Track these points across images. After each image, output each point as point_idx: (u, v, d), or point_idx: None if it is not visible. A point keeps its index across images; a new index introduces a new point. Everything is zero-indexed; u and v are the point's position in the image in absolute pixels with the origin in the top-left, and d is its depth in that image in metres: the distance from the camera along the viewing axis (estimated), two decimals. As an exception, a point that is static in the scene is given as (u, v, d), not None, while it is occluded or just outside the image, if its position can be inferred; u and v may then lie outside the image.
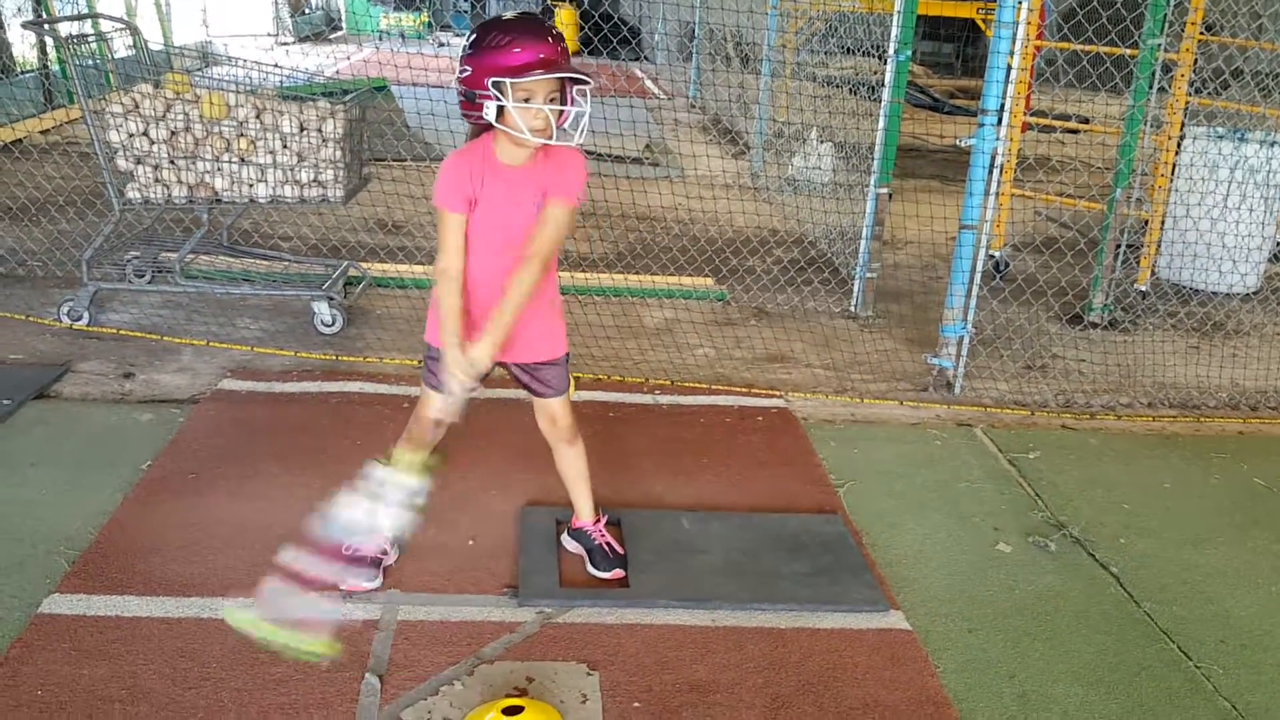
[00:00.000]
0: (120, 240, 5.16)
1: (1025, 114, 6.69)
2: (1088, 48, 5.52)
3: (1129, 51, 5.18)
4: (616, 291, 5.47)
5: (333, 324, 4.65)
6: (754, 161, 8.35)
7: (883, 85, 5.16)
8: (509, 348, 2.76)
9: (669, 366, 4.56)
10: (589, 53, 13.60)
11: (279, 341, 4.55)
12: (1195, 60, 5.50)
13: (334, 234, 6.07)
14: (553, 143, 2.50)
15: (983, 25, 12.37)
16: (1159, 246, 6.01)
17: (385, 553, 2.92)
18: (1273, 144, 5.83)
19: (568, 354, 2.87)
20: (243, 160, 4.42)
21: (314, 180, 4.50)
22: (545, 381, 2.84)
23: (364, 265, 5.33)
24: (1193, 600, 3.13)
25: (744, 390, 4.37)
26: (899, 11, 4.95)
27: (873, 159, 5.25)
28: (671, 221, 6.74)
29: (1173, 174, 5.84)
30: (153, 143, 4.35)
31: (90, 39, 4.68)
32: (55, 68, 8.90)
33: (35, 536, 3.01)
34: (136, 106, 4.32)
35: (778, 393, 4.37)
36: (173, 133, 4.35)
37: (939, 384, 4.52)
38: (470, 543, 3.12)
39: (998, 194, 4.33)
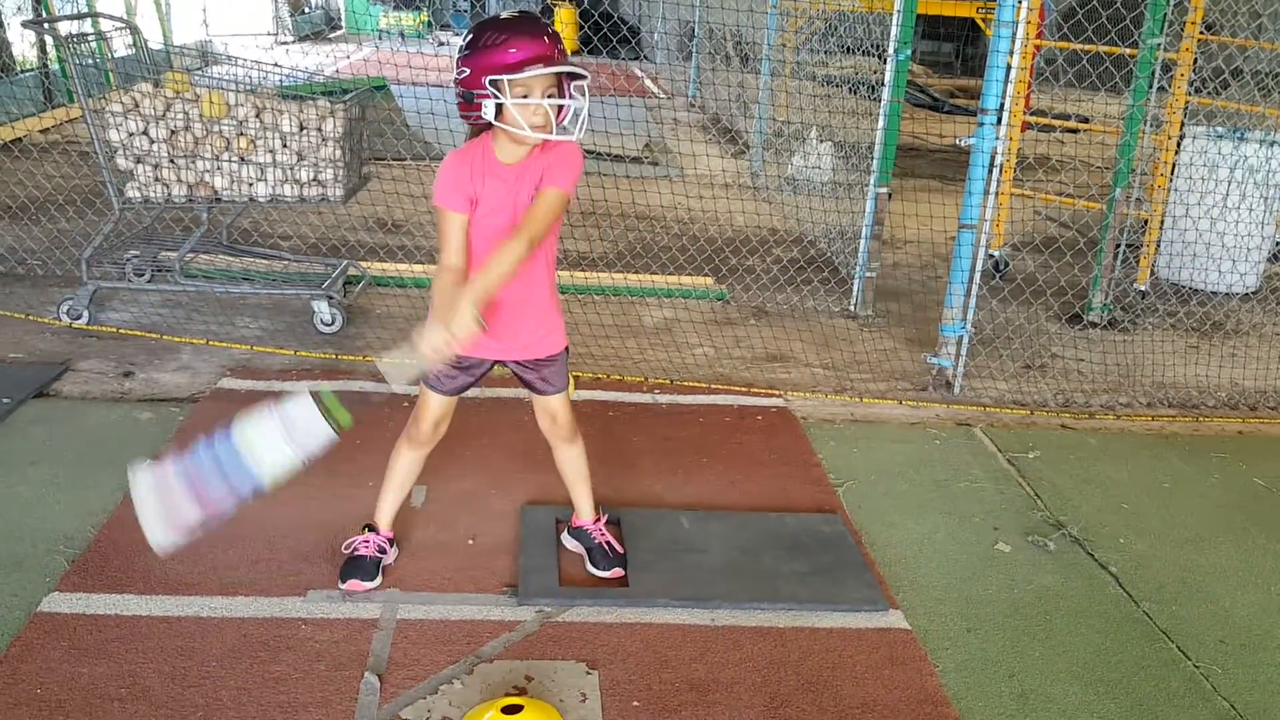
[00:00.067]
0: (120, 239, 5.16)
1: (1025, 113, 6.70)
2: (1087, 47, 5.51)
3: (1129, 51, 5.18)
4: (616, 291, 5.47)
5: (332, 323, 4.65)
6: (754, 161, 8.35)
7: (882, 84, 5.17)
8: (510, 347, 2.76)
9: (669, 366, 4.56)
10: (589, 52, 13.61)
11: (278, 340, 4.55)
12: (1195, 60, 5.50)
13: (333, 233, 6.07)
14: (553, 137, 2.51)
15: (982, 25, 12.36)
16: (1158, 246, 6.01)
17: (384, 552, 2.92)
18: (1272, 144, 5.83)
19: (567, 348, 2.87)
20: (242, 159, 4.42)
21: (313, 179, 4.50)
22: (546, 379, 2.84)
23: (363, 264, 5.33)
24: (1192, 600, 3.13)
25: (743, 389, 4.37)
26: (899, 11, 4.95)
27: (872, 158, 5.25)
28: (671, 221, 6.74)
29: (1172, 173, 5.84)
30: (152, 142, 4.35)
31: (90, 38, 4.68)
32: (55, 66, 8.90)
33: (35, 535, 3.01)
34: (136, 105, 4.32)
35: (777, 392, 4.37)
36: (172, 132, 4.35)
37: (938, 383, 4.52)
38: (470, 542, 3.12)
39: (997, 193, 4.33)
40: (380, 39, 17.77)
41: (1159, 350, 5.08)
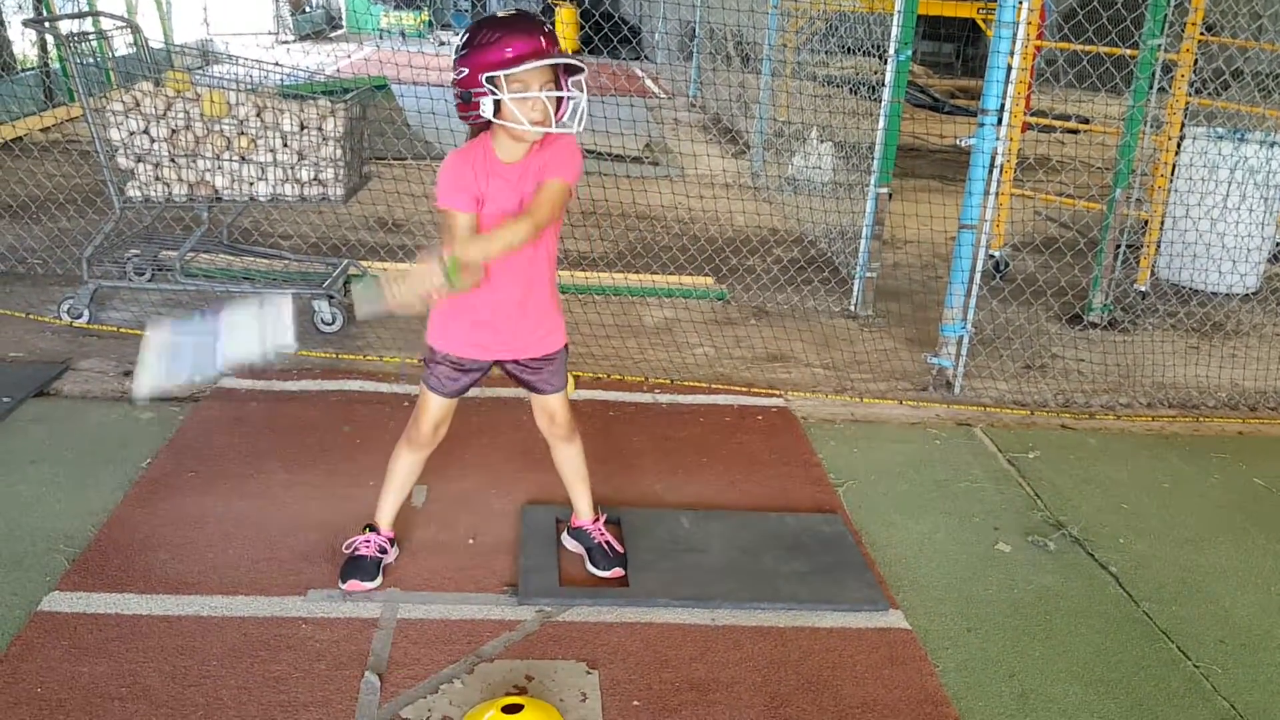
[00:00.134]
0: (120, 238, 5.16)
1: (1025, 114, 6.69)
2: (1088, 48, 5.52)
3: (1129, 52, 5.18)
4: (616, 290, 5.47)
5: (333, 322, 4.65)
6: (754, 161, 8.35)
7: (883, 85, 5.17)
8: (511, 346, 2.76)
9: (669, 365, 4.56)
10: (589, 52, 13.60)
11: (279, 340, 4.54)
12: (1195, 60, 5.50)
13: (334, 232, 6.07)
14: (553, 130, 2.51)
15: (983, 25, 12.36)
16: (1158, 246, 6.01)
17: (385, 551, 2.92)
18: (1272, 144, 5.83)
19: (566, 345, 2.87)
20: (243, 158, 4.42)
21: (314, 178, 4.50)
22: (545, 378, 2.84)
23: (364, 264, 5.33)
24: (1192, 600, 3.14)
25: (744, 389, 4.37)
26: (899, 11, 4.96)
27: (873, 159, 5.25)
28: (671, 221, 6.74)
29: (1172, 174, 5.84)
30: (153, 141, 4.35)
31: (91, 37, 4.68)
32: (56, 65, 8.90)
33: (35, 534, 3.01)
34: (137, 104, 4.32)
35: (777, 392, 4.37)
36: (173, 131, 4.35)
37: (938, 383, 4.52)
38: (470, 541, 3.12)
39: (997, 194, 4.33)
40: (381, 38, 17.79)
41: (1159, 351, 5.08)
